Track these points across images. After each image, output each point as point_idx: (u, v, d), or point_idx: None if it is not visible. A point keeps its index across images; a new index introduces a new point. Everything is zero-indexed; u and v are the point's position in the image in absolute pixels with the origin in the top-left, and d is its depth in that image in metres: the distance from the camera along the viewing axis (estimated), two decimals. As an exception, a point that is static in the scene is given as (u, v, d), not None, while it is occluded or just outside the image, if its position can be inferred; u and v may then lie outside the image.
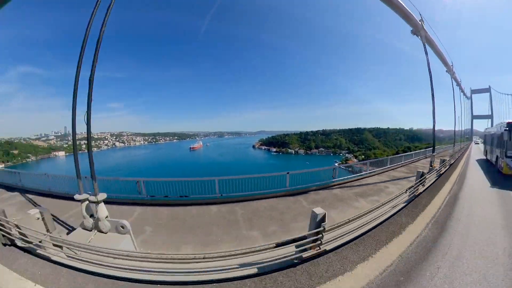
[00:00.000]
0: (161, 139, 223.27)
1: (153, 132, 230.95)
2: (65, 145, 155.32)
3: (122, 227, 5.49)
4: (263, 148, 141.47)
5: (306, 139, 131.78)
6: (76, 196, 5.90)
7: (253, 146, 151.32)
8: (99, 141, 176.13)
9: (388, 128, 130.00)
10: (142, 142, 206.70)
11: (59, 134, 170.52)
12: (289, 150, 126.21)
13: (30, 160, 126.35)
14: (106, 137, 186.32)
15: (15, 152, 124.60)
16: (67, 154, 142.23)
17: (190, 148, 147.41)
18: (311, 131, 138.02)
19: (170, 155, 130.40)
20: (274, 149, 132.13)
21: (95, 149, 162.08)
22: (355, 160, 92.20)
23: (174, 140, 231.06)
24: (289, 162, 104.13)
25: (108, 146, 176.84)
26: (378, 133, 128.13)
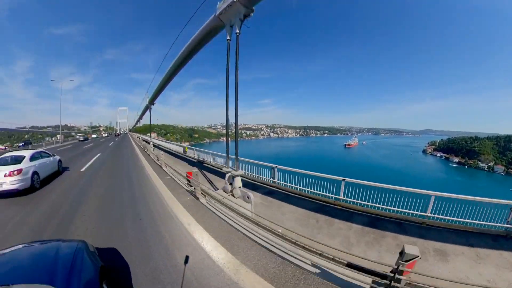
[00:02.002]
0: (311, 133, 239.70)
1: (304, 126, 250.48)
2: (230, 133, 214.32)
3: (248, 197, 7.32)
4: (437, 155, 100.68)
5: (509, 149, 78.14)
6: (224, 169, 8.46)
7: (423, 151, 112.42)
8: (256, 131, 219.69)
9: None
10: (294, 135, 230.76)
11: (224, 124, 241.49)
12: (479, 164, 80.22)
13: (205, 141, 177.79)
14: (262, 128, 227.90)
15: (196, 135, 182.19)
16: (231, 140, 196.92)
17: (345, 145, 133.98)
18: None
19: (325, 151, 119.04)
20: (456, 159, 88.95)
21: (253, 137, 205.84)
22: None
23: (325, 135, 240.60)
24: (481, 181, 63.49)
25: (264, 136, 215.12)
26: None
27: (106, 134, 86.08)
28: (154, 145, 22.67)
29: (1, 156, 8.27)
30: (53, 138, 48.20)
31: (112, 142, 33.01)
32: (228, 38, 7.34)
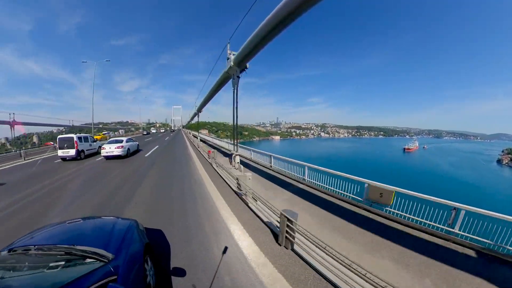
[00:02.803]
0: (365, 133, 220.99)
1: (356, 125, 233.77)
2: (278, 131, 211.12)
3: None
4: (518, 167, 75.93)
5: None
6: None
7: (498, 161, 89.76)
8: (306, 130, 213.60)
9: None
10: (345, 135, 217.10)
11: (273, 122, 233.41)
12: None
13: (255, 139, 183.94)
14: (312, 127, 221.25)
15: (246, 133, 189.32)
16: (281, 138, 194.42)
17: (404, 148, 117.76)
18: None
19: (381, 155, 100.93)
20: (543, 175, 62.90)
21: (303, 137, 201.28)
22: None
23: (380, 136, 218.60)
24: None
25: (314, 135, 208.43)
26: None
27: (163, 130, 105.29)
28: (201, 140, 29.21)
29: (113, 139, 16.18)
30: (115, 133, 62.38)
31: (168, 137, 41.14)
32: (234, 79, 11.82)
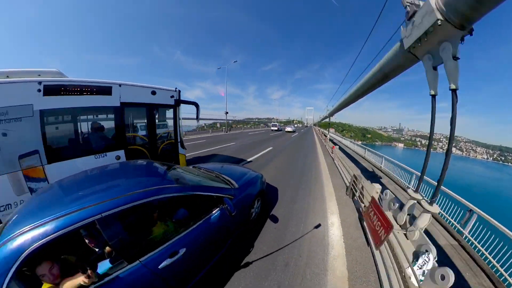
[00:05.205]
0: None
1: (497, 144, 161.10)
2: (401, 138, 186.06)
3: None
4: None
5: None
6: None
7: None
8: (435, 141, 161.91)
9: None
10: (484, 156, 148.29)
11: (394, 128, 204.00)
12: None
13: (377, 143, 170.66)
14: (441, 139, 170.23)
15: (369, 136, 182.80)
16: (404, 147, 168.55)
17: None
18: None
19: None
20: None
21: (424, 148, 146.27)
22: None
23: None
24: None
25: (443, 149, 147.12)
26: None
27: (299, 125, 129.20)
28: (329, 139, 32.73)
29: (289, 125, 48.77)
30: (269, 124, 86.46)
31: (303, 130, 56.19)
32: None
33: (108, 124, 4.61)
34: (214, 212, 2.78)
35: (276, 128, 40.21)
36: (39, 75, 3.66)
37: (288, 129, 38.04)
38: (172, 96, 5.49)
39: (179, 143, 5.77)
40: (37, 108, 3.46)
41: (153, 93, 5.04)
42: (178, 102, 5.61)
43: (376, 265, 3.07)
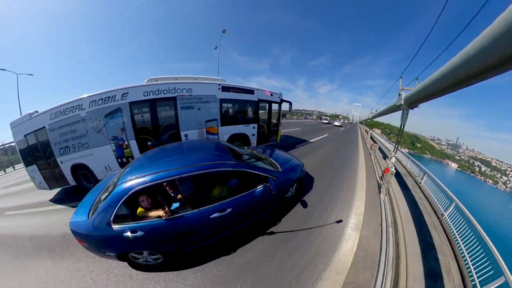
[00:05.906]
0: None
1: None
2: (456, 157, 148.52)
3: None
4: None
5: None
6: None
7: None
8: (496, 171, 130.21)
9: None
10: None
11: (450, 142, 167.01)
12: None
13: (425, 156, 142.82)
14: (508, 172, 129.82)
15: (419, 145, 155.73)
16: (458, 168, 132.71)
17: None
18: None
19: None
20: None
21: (490, 181, 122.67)
22: None
23: None
24: None
25: (506, 186, 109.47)
26: None
27: (345, 121, 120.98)
28: (370, 137, 29.83)
29: (331, 121, 49.83)
30: (311, 117, 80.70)
31: (348, 126, 53.09)
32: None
33: (251, 109, 7.81)
34: (258, 187, 3.39)
35: (326, 121, 46.77)
36: (214, 81, 6.93)
37: (336, 123, 42.73)
38: (279, 97, 8.63)
39: (279, 124, 9.16)
40: (218, 97, 6.61)
41: (271, 94, 8.25)
42: (282, 100, 8.82)
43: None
